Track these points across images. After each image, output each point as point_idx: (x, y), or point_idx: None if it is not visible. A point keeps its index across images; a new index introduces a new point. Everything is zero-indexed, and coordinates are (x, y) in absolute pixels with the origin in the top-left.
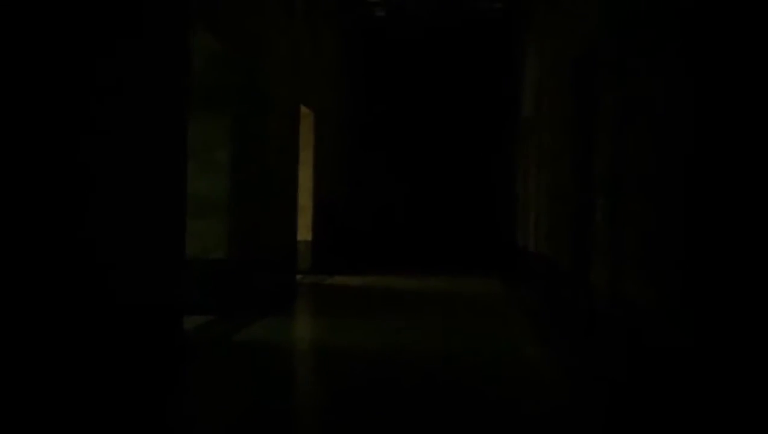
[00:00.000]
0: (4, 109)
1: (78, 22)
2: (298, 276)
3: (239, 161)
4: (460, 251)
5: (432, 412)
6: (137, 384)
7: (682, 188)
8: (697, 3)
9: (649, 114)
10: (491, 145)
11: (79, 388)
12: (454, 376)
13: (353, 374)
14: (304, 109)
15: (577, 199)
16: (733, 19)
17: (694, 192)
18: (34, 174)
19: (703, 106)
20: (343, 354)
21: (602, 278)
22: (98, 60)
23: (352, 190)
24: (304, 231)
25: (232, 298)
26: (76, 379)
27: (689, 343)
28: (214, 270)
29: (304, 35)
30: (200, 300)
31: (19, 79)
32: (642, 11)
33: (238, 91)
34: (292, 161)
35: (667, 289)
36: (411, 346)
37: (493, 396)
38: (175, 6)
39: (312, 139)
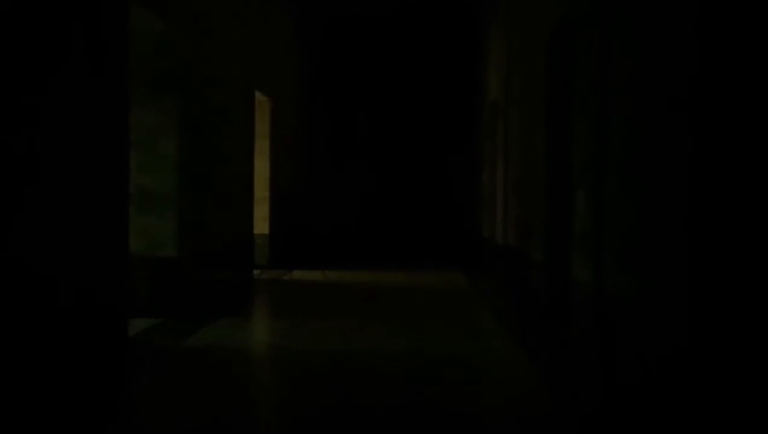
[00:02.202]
0: None
1: None
2: (256, 272)
3: (188, 151)
4: (422, 243)
5: (394, 427)
6: (72, 397)
7: (677, 175)
8: None
9: (637, 94)
10: (455, 132)
11: (7, 399)
12: (420, 385)
13: (311, 384)
14: (259, 96)
15: (550, 187)
16: None
17: (690, 179)
18: None
19: (702, 85)
20: (301, 360)
21: (585, 271)
22: (25, 39)
23: (311, 181)
24: (262, 225)
25: (183, 299)
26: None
27: (682, 342)
28: (163, 270)
29: (259, 18)
30: (148, 302)
31: None
32: None
33: (185, 77)
34: (247, 151)
35: (656, 284)
36: (372, 350)
37: (468, 412)
38: None
39: (269, 128)
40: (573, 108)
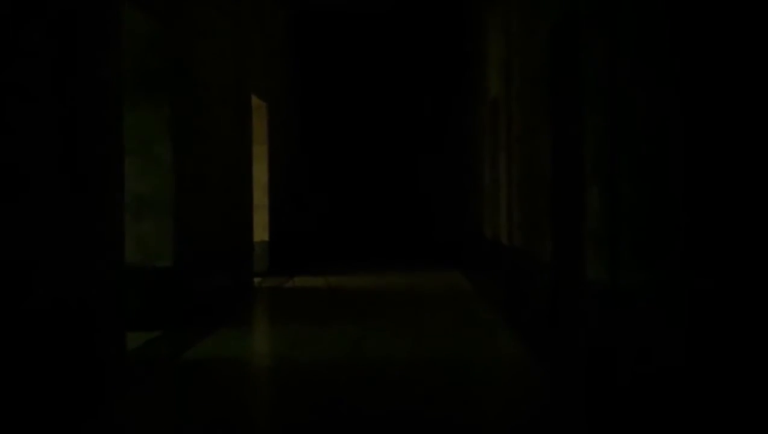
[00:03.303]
0: None
1: None
2: (257, 280)
3: (184, 156)
4: (421, 244)
5: None
6: (64, 421)
7: (697, 170)
8: None
9: (650, 85)
10: (452, 130)
11: None
12: (428, 392)
13: (314, 396)
14: (256, 101)
15: (558, 185)
16: None
17: (712, 173)
18: None
19: (724, 69)
20: (304, 370)
21: (600, 271)
22: (11, 38)
23: (303, 185)
24: (261, 231)
25: (182, 310)
26: None
27: (698, 357)
28: (161, 279)
29: (252, 20)
30: (145, 314)
31: None
32: None
33: (178, 79)
34: (245, 156)
35: (662, 278)
36: (377, 358)
37: (477, 423)
38: None
39: (266, 133)
40: (582, 101)
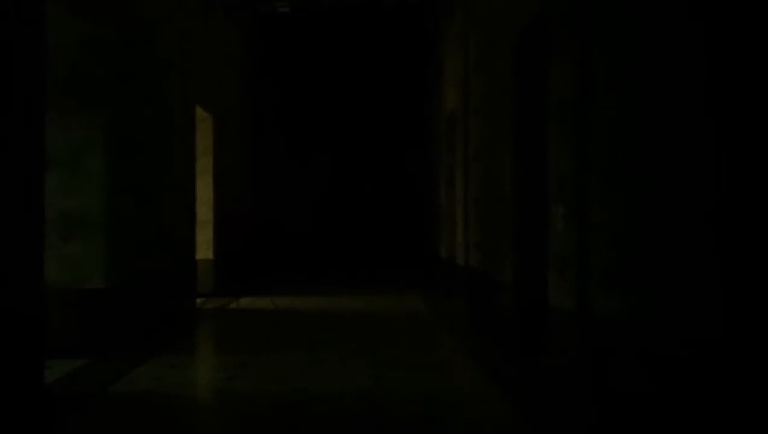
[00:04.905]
0: None
1: None
2: (199, 301)
3: (118, 170)
4: (376, 264)
5: None
6: None
7: (685, 185)
8: None
9: (627, 97)
10: (409, 145)
11: None
12: (383, 430)
13: None
14: (201, 113)
15: (518, 203)
16: None
17: (699, 189)
18: None
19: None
20: (246, 404)
21: (567, 294)
22: None
23: (257, 199)
24: (205, 249)
25: (114, 335)
26: None
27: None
28: (90, 302)
29: (199, 28)
30: (74, 340)
31: None
32: None
33: (114, 86)
34: (188, 170)
35: (654, 305)
36: (326, 390)
37: None
38: None
39: (211, 145)
40: (547, 117)
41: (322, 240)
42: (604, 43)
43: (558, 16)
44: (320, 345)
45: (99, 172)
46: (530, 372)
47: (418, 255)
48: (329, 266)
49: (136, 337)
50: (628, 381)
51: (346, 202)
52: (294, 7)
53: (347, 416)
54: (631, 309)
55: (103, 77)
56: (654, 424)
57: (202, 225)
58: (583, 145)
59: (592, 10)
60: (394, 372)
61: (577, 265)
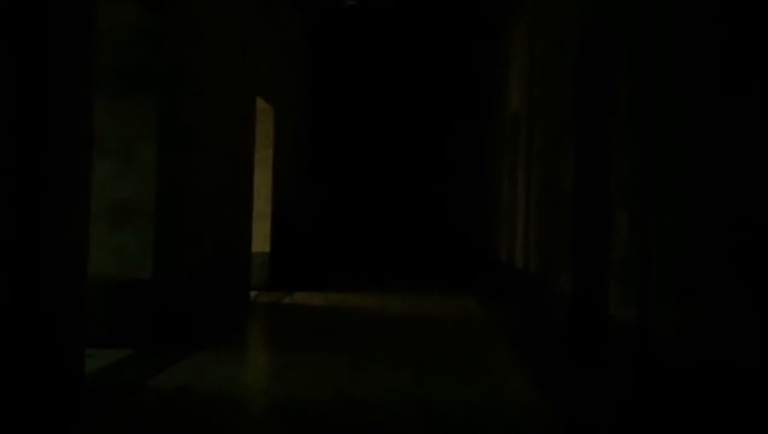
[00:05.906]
0: None
1: None
2: (253, 294)
3: (171, 159)
4: (429, 263)
5: None
6: None
7: (761, 193)
8: None
9: (695, 101)
10: (469, 144)
11: None
12: None
13: None
14: (262, 104)
15: (580, 207)
16: None
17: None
18: None
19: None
20: (279, 411)
21: (628, 306)
22: None
23: (309, 195)
24: (262, 242)
25: (159, 327)
26: None
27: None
28: (138, 293)
29: (261, 19)
30: (120, 329)
31: None
32: None
33: (168, 74)
34: (246, 162)
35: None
36: (373, 398)
37: None
38: None
39: (272, 138)
40: (611, 119)
41: (378, 238)
42: (672, 43)
43: (624, 15)
44: (371, 346)
45: (151, 161)
46: (586, 385)
47: (477, 257)
48: (384, 264)
49: (182, 330)
50: (691, 400)
51: (403, 202)
52: (361, 0)
53: (389, 423)
54: (697, 323)
55: (155, 63)
56: None
57: (260, 218)
58: (649, 149)
59: (659, 9)
60: (447, 380)
61: (640, 275)
